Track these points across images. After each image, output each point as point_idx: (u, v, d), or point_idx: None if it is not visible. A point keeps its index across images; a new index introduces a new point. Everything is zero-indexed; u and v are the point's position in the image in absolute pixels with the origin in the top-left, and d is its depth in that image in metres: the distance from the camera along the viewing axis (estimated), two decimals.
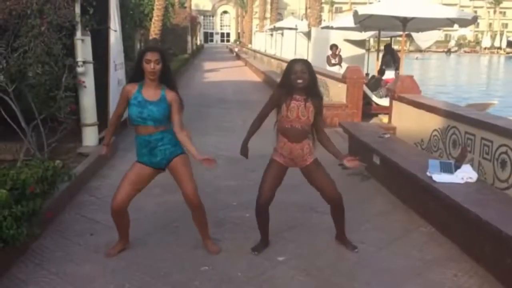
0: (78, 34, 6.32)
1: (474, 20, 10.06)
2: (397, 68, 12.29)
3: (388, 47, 13.17)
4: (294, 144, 3.68)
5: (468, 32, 71.59)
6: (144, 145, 3.60)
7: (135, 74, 3.62)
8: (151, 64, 3.47)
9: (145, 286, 3.39)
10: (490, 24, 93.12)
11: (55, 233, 4.23)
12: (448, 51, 65.85)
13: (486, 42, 77.00)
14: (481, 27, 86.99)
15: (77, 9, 6.24)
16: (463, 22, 10.47)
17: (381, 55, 12.99)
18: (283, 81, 3.69)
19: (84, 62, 6.41)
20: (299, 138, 3.67)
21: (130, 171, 3.67)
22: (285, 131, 3.68)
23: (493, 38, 79.11)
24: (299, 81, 3.57)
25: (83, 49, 6.39)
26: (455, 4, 74.75)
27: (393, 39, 15.06)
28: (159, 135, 3.58)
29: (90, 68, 6.60)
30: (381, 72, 12.24)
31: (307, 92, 3.63)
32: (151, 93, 3.56)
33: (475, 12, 49.25)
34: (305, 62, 3.68)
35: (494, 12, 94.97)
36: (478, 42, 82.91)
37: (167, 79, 3.62)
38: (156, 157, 3.62)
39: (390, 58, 12.59)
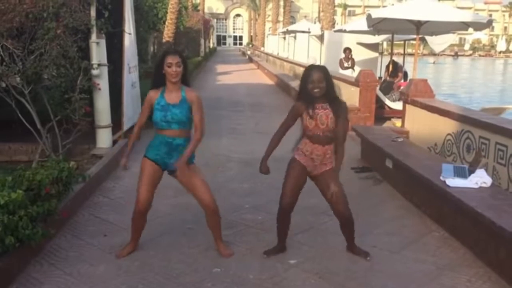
0: (93, 37, 6.40)
1: (489, 24, 9.96)
2: (405, 73, 12.30)
3: (393, 62, 13.01)
4: (316, 145, 3.68)
5: (483, 36, 70.90)
6: (164, 144, 3.65)
7: (157, 80, 3.66)
8: (173, 67, 3.54)
9: (158, 287, 3.41)
10: (505, 28, 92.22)
11: (69, 233, 4.27)
12: (456, 55, 65.29)
13: (501, 45, 76.23)
14: (496, 31, 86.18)
15: (93, 12, 6.32)
16: (478, 26, 10.39)
17: (391, 65, 12.84)
18: (301, 90, 3.68)
19: (99, 65, 6.48)
20: (323, 143, 3.66)
21: (144, 171, 3.72)
22: (309, 138, 3.69)
23: (508, 42, 78.32)
24: (316, 90, 3.56)
25: (98, 51, 6.47)
26: (470, 8, 74.22)
27: (406, 42, 14.98)
28: (182, 141, 3.66)
29: (105, 70, 6.68)
30: (392, 75, 12.21)
31: (327, 99, 3.62)
32: (173, 96, 3.62)
33: (490, 15, 48.90)
34: (321, 70, 3.63)
35: (510, 15, 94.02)
36: (493, 46, 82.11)
37: (184, 78, 3.67)
38: (171, 158, 3.67)
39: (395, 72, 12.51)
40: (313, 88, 3.56)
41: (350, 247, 3.96)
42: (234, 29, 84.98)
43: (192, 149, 3.65)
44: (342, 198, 3.72)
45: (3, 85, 5.99)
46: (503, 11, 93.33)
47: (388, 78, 12.28)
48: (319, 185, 3.80)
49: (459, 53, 68.40)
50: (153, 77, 3.71)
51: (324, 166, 3.72)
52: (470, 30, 11.05)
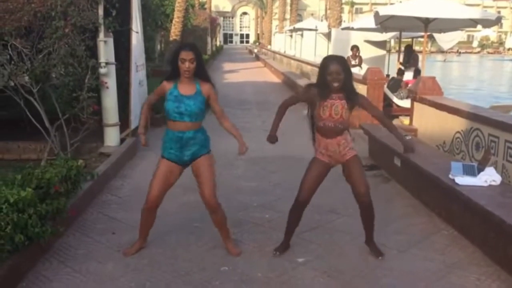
0: (101, 35, 6.41)
1: (497, 21, 9.88)
2: (416, 70, 12.24)
3: (408, 48, 13.01)
4: (328, 139, 3.69)
5: (491, 33, 70.37)
6: (175, 140, 3.65)
7: (171, 73, 3.67)
8: (186, 63, 3.54)
9: (166, 285, 3.42)
10: None
11: (78, 231, 4.29)
12: (458, 52, 65.34)
13: (509, 43, 75.52)
14: (504, 28, 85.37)
15: (100, 11, 6.32)
16: (486, 23, 10.32)
17: (401, 56, 12.86)
18: (319, 81, 3.66)
19: (107, 63, 6.49)
20: (332, 135, 3.68)
21: (158, 169, 3.72)
22: (319, 129, 3.71)
23: None
24: (335, 84, 3.55)
25: (106, 50, 6.48)
26: (478, 5, 73.64)
27: (414, 40, 14.90)
28: (192, 133, 3.65)
29: (112, 69, 6.69)
30: (400, 73, 12.15)
31: (343, 90, 3.61)
32: (186, 88, 3.63)
33: (499, 12, 48.39)
34: (340, 61, 3.61)
35: None
36: (501, 43, 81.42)
37: (201, 73, 3.68)
38: (184, 154, 3.68)
39: (407, 59, 12.49)
40: (332, 80, 3.55)
41: (368, 240, 3.95)
42: (240, 27, 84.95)
43: (239, 135, 3.85)
44: (363, 181, 3.73)
45: (12, 84, 6.02)
46: None
47: (400, 67, 12.19)
48: (345, 172, 3.82)
49: (465, 51, 68.24)
50: (169, 71, 3.70)
51: (345, 156, 3.73)
52: (479, 27, 10.98)
